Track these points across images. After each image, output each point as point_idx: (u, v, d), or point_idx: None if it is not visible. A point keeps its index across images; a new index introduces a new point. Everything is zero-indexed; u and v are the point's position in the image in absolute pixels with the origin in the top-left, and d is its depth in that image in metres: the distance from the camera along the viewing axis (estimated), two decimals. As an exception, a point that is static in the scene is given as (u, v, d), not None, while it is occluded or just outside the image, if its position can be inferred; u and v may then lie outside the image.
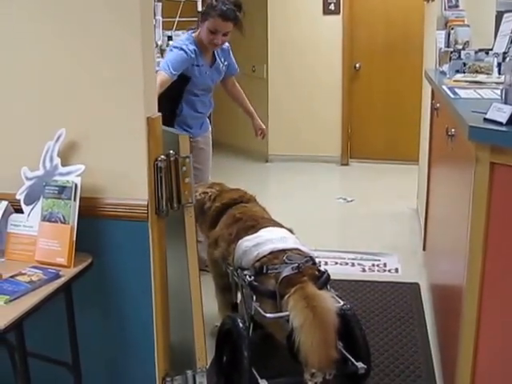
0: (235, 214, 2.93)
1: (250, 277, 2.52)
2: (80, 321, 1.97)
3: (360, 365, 2.48)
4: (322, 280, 2.53)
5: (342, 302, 2.51)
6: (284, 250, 2.55)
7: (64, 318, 1.94)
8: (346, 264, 4.14)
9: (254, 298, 2.51)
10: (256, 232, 2.72)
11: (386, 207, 5.31)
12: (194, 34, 3.51)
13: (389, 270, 4.05)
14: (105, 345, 2.09)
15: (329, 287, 2.58)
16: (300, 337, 2.29)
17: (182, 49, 3.39)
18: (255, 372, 2.44)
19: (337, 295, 2.56)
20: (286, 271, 2.43)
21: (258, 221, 2.85)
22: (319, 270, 2.58)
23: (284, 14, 6.86)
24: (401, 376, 2.77)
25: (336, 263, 4.12)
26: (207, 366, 2.13)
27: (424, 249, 4.19)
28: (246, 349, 2.43)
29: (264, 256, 2.54)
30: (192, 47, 3.43)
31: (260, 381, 2.40)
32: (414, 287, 3.71)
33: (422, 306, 3.47)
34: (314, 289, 2.40)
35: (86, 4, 1.89)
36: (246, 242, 2.66)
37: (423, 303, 3.49)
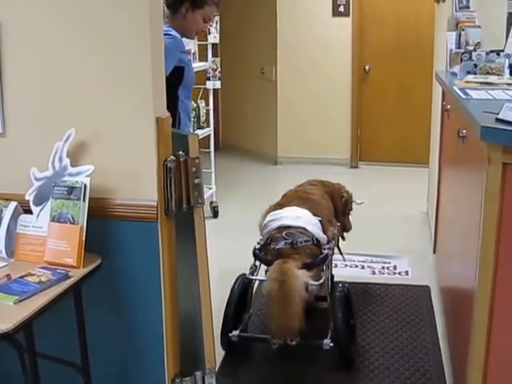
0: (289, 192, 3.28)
1: (258, 245, 2.90)
2: (89, 322, 1.96)
3: (326, 341, 2.72)
4: (318, 260, 2.76)
5: (315, 283, 2.72)
6: (289, 227, 2.81)
7: (73, 319, 1.93)
8: (356, 266, 4.13)
9: (257, 263, 2.92)
10: (281, 209, 3.01)
11: (395, 210, 5.28)
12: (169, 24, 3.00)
13: (399, 273, 4.03)
14: (114, 346, 2.08)
15: (325, 268, 2.83)
16: (266, 302, 2.70)
17: (165, 34, 2.52)
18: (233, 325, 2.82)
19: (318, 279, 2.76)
20: (280, 245, 2.75)
21: (290, 199, 3.13)
22: (321, 251, 2.80)
23: (293, 15, 6.84)
24: (411, 378, 2.75)
25: (346, 265, 4.10)
26: (216, 368, 2.13)
27: (434, 251, 4.16)
28: (235, 291, 2.87)
29: (273, 230, 2.85)
30: (174, 33, 2.95)
31: (233, 331, 2.79)
32: (425, 290, 3.69)
33: (432, 308, 3.45)
34: (291, 266, 2.63)
35: (95, 5, 1.89)
36: (269, 216, 2.98)
37: (433, 306, 3.48)
